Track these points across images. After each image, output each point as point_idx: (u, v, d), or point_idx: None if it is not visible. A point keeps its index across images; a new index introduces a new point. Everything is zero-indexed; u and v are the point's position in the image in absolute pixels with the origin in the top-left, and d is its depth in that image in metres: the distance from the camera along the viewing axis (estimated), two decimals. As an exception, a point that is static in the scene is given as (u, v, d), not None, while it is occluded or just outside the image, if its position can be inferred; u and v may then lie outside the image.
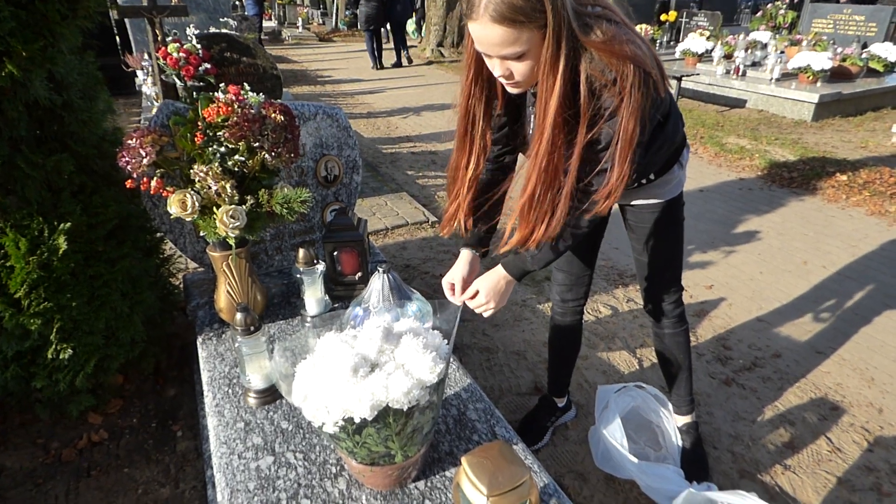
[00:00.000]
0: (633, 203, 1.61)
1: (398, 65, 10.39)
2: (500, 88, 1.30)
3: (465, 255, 1.55)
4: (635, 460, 1.72)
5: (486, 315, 1.45)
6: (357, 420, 1.06)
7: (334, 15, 17.51)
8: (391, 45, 10.63)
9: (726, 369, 2.38)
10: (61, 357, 1.55)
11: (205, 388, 1.55)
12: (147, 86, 5.10)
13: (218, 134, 1.54)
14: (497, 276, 1.42)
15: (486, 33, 1.06)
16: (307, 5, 20.67)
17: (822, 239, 3.60)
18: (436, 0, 11.65)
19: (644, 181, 1.53)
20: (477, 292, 1.44)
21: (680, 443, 1.90)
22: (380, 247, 3.34)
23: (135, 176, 1.53)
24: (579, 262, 1.78)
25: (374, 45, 9.89)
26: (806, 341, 2.59)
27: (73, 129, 1.58)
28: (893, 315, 2.79)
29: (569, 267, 1.80)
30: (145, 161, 1.53)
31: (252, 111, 1.57)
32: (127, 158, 1.52)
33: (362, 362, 1.15)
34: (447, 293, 1.55)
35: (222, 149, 1.53)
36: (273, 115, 1.64)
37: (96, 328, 1.63)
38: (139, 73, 5.46)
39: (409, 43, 10.89)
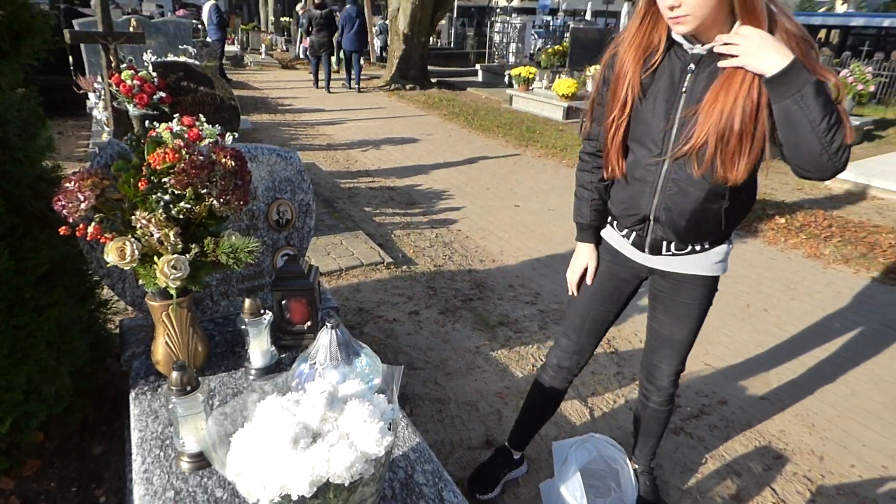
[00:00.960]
0: (677, 272, 1.53)
1: (350, 88, 11.57)
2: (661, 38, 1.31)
3: (587, 248, 1.63)
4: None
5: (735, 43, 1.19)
6: (295, 497, 1.01)
7: (297, 42, 17.52)
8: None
9: (675, 418, 2.41)
10: (-24, 415, 1.43)
11: (133, 450, 1.45)
12: (98, 110, 4.94)
13: (163, 181, 1.48)
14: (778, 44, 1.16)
15: None
16: (271, 32, 20.65)
17: (763, 281, 3.74)
18: (399, 34, 11.82)
19: (697, 247, 1.47)
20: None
21: (637, 489, 1.91)
22: (333, 289, 3.28)
23: (70, 221, 1.46)
24: (590, 335, 1.72)
25: (317, 70, 11.42)
26: (750, 387, 2.65)
27: (6, 168, 1.50)
28: (830, 359, 2.90)
29: (577, 336, 1.73)
30: (83, 206, 1.45)
31: (201, 157, 1.52)
32: (63, 202, 1.44)
33: (303, 432, 1.10)
34: (572, 288, 1.66)
35: (167, 196, 1.47)
36: (223, 160, 1.59)
37: (16, 383, 1.52)
38: (91, 95, 5.29)
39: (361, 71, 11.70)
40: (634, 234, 1.51)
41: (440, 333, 2.92)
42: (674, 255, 1.49)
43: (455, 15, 21.79)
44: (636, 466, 1.99)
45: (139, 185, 1.48)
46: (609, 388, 2.57)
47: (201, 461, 1.38)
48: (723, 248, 1.49)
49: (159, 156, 1.48)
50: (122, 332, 1.98)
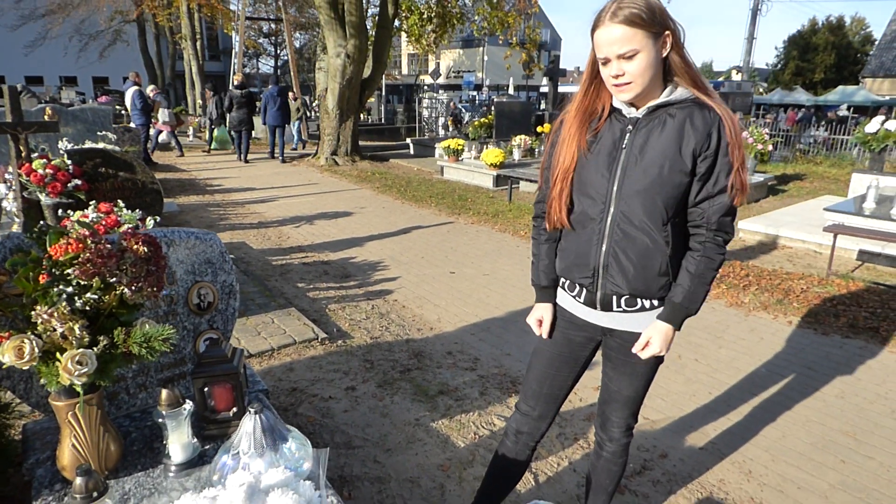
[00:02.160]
0: (628, 330, 1.57)
1: (274, 158, 12.64)
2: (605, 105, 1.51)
3: (545, 306, 1.71)
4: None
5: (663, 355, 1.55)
6: None
7: (208, 127, 17.53)
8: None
9: (619, 475, 2.40)
10: None
11: (34, 570, 1.30)
12: (7, 201, 4.69)
13: (66, 272, 1.41)
14: (662, 327, 1.50)
15: (608, 33, 1.33)
16: (199, 115, 20.63)
17: (691, 332, 3.89)
18: (329, 112, 12.09)
19: (647, 304, 1.53)
20: (648, 342, 1.52)
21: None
22: (264, 370, 3.14)
23: (-40, 321, 1.35)
24: (548, 401, 1.73)
25: (240, 144, 12.25)
26: (689, 438, 2.70)
27: None
28: (761, 404, 3.00)
29: (535, 402, 1.73)
30: (-25, 304, 1.36)
31: (108, 246, 1.46)
32: (-48, 302, 1.34)
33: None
34: (535, 328, 1.72)
35: (69, 288, 1.39)
36: (135, 247, 1.54)
37: None
38: (1, 186, 5.04)
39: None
40: (585, 291, 1.57)
41: (378, 408, 2.83)
42: (625, 311, 1.55)
43: (384, 92, 22.63)
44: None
45: (39, 278, 1.40)
46: (552, 451, 2.54)
47: (109, 578, 1.24)
48: None
49: (61, 247, 1.42)
50: (25, 437, 1.81)
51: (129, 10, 24.36)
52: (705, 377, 3.28)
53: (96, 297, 1.45)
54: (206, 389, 1.77)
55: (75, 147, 4.42)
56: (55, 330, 1.41)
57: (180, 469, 1.61)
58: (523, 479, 2.34)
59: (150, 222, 3.43)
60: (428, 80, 28.07)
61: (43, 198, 3.73)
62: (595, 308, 1.58)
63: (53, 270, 1.39)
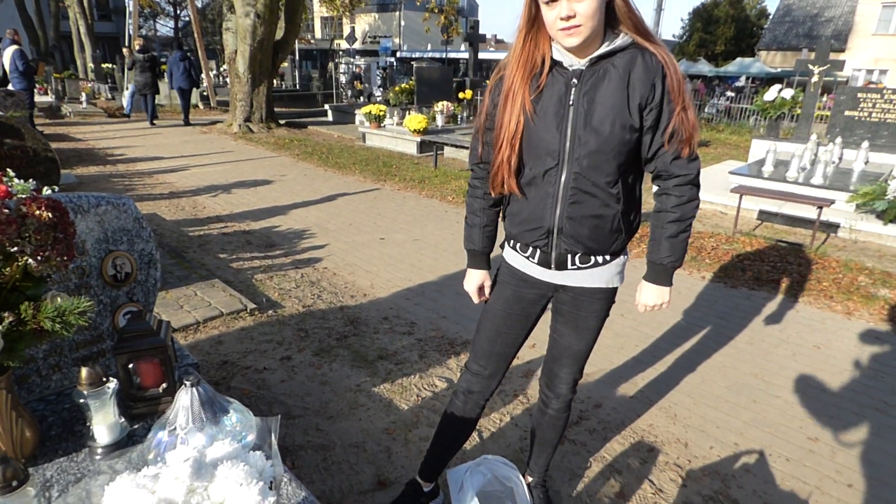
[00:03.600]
0: (581, 285, 1.58)
1: (186, 124, 12.46)
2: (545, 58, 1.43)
3: (479, 273, 1.72)
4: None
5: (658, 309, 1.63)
6: None
7: (124, 88, 16.19)
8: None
9: (558, 427, 2.48)
10: None
11: (-59, 575, 1.15)
12: None
13: (-43, 240, 1.22)
14: (651, 288, 1.58)
15: None
16: (92, 80, 18.88)
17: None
18: (240, 77, 11.42)
19: (599, 260, 1.53)
20: (646, 299, 1.61)
21: (531, 501, 1.91)
22: (190, 344, 2.96)
23: None
24: (498, 359, 1.71)
25: (147, 106, 12.37)
26: (620, 389, 2.83)
27: None
28: (683, 353, 3.20)
29: (486, 360, 1.71)
30: None
31: (6, 211, 1.29)
32: None
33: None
34: (474, 297, 1.74)
35: (-39, 259, 1.22)
36: (37, 212, 1.37)
37: None
38: None
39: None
40: (539, 251, 1.55)
41: (317, 376, 2.75)
42: (578, 268, 1.54)
43: (297, 57, 21.66)
44: (529, 480, 2.00)
45: (-75, 247, 1.22)
46: (494, 408, 2.58)
47: (35, 573, 1.13)
48: (620, 259, 1.59)
49: (-49, 210, 1.23)
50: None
51: (1, -39, 21.69)
52: (632, 331, 3.45)
53: (-4, 267, 1.28)
54: (130, 366, 1.63)
55: (-51, 109, 3.90)
56: (-52, 306, 1.23)
57: (108, 451, 1.48)
58: (471, 440, 2.37)
59: (46, 191, 3.11)
60: (344, 44, 27.13)
61: (-88, 166, 3.27)
62: (549, 268, 1.57)
63: (-59, 238, 1.21)
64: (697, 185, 1.48)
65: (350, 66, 21.56)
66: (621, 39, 1.37)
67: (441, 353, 3.05)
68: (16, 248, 1.29)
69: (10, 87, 9.86)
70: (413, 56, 24.98)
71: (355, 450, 2.23)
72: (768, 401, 2.76)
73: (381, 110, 10.67)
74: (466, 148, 8.10)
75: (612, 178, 1.42)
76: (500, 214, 1.68)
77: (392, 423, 2.41)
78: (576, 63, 1.40)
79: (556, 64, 1.43)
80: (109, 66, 20.90)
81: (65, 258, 1.39)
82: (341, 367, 2.86)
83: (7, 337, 1.28)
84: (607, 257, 1.55)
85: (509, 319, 1.67)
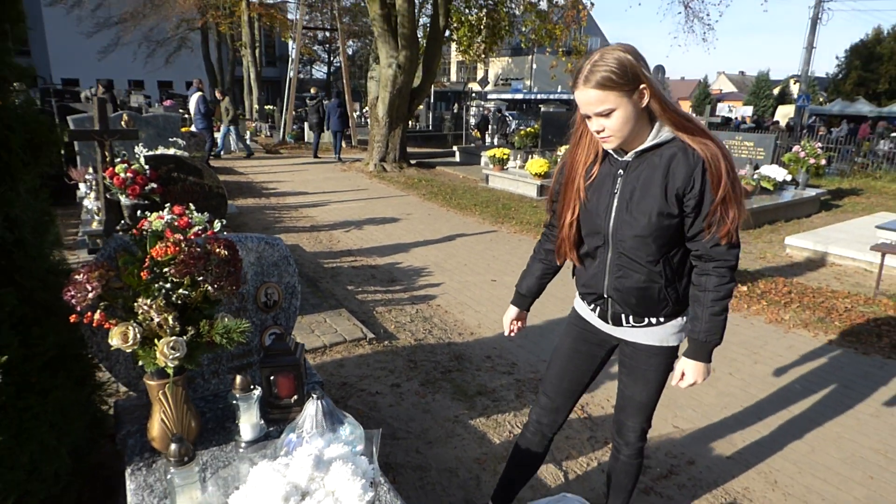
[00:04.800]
0: (637, 342, 1.74)
1: (338, 160, 14.30)
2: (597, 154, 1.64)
3: (516, 310, 2.00)
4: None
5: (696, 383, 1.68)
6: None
7: (282, 128, 18.26)
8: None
9: (645, 478, 2.52)
10: (-20, 494, 1.53)
11: (131, 521, 1.55)
12: (89, 200, 5.15)
13: (164, 270, 1.66)
14: (689, 363, 1.66)
15: (583, 96, 1.46)
16: (255, 119, 21.49)
17: (727, 346, 3.93)
18: (379, 120, 12.46)
19: (653, 321, 1.70)
20: (683, 374, 1.68)
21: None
22: (317, 365, 3.40)
23: (78, 309, 1.62)
24: (566, 395, 1.91)
25: (316, 142, 14.94)
26: (717, 447, 2.78)
27: (21, 263, 1.67)
28: (793, 419, 3.05)
29: (555, 394, 1.92)
30: (90, 295, 1.62)
31: (198, 249, 1.71)
32: (72, 293, 1.61)
33: (293, 491, 1.23)
34: (505, 328, 2.03)
35: (168, 284, 1.64)
36: (218, 250, 1.79)
37: (19, 463, 1.62)
38: (81, 185, 5.52)
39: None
40: (598, 307, 1.77)
41: (421, 404, 3.04)
42: (633, 326, 1.73)
43: (432, 99, 23.02)
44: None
45: (142, 275, 1.66)
46: (582, 452, 2.68)
47: (195, 529, 1.47)
48: (677, 321, 1.71)
49: (162, 249, 1.68)
50: (116, 412, 2.09)
51: (194, 19, 25.67)
52: (738, 391, 3.34)
53: (186, 293, 1.71)
54: (272, 378, 2.01)
55: (151, 153, 4.82)
56: (153, 320, 1.66)
57: (249, 446, 1.84)
58: (553, 475, 2.50)
59: (217, 224, 3.75)
60: (476, 87, 28.34)
61: (123, 199, 4.11)
62: (607, 322, 1.76)
63: (154, 269, 1.65)
64: (734, 270, 1.58)
65: (480, 109, 22.48)
66: (665, 134, 1.53)
67: (533, 392, 3.20)
68: (201, 278, 1.71)
69: (192, 127, 11.66)
70: (537, 98, 25.41)
71: (448, 474, 2.46)
72: (889, 479, 2.57)
73: (504, 153, 11.06)
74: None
75: (653, 258, 1.58)
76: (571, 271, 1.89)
77: (484, 454, 2.61)
78: (624, 155, 1.60)
79: (608, 154, 1.64)
80: (271, 107, 23.69)
81: (234, 287, 1.80)
82: (443, 398, 3.12)
83: (190, 345, 1.68)
84: (661, 319, 1.69)
85: (576, 358, 1.87)
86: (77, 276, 1.63)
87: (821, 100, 29.26)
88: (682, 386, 1.68)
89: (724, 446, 2.80)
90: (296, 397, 2.04)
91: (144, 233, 1.87)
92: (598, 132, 1.51)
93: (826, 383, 3.45)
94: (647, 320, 1.69)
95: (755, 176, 8.27)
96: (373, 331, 3.90)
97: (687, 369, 1.66)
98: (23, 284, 1.67)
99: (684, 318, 1.72)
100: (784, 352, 3.89)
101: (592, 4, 14.76)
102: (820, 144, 10.18)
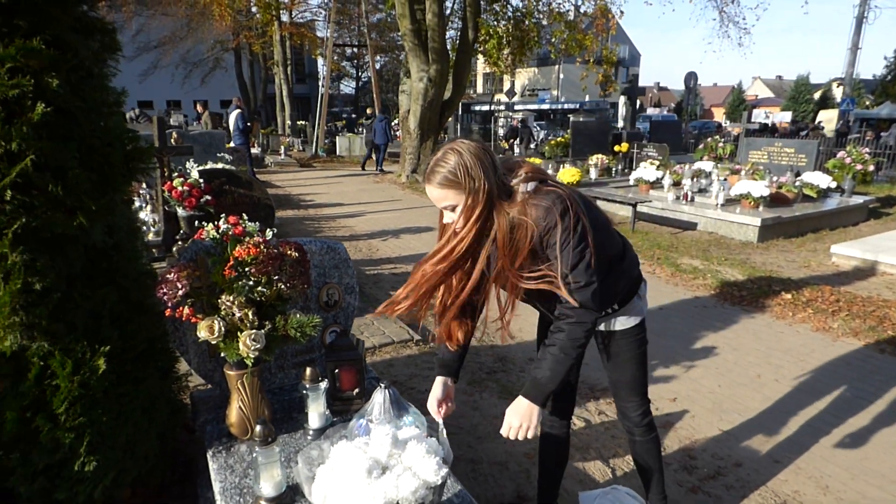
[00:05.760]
0: (602, 329, 1.89)
1: (379, 171, 15.04)
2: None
3: (440, 381, 1.86)
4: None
5: (521, 438, 1.63)
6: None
7: (314, 143, 18.72)
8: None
9: (692, 478, 2.57)
10: (86, 469, 1.69)
11: (217, 497, 1.69)
12: (146, 212, 5.43)
13: (245, 270, 1.81)
14: (521, 403, 1.64)
15: (429, 191, 1.55)
16: (288, 134, 22.06)
17: (773, 354, 3.93)
18: (411, 133, 12.71)
19: (610, 310, 1.82)
20: (510, 425, 1.66)
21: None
22: (368, 364, 3.53)
23: (170, 305, 1.79)
24: (561, 384, 2.01)
25: (376, 156, 15.58)
26: (764, 451, 2.80)
27: (118, 265, 1.85)
28: (844, 427, 3.03)
29: None
30: (180, 292, 1.79)
31: (275, 251, 1.87)
32: (164, 290, 1.78)
33: (375, 465, 1.35)
34: (434, 414, 1.83)
35: (250, 282, 1.80)
36: (290, 252, 1.94)
37: (118, 442, 1.79)
38: (136, 199, 5.82)
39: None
40: None
41: (469, 402, 3.14)
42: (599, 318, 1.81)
43: (460, 112, 23.26)
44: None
45: (226, 273, 1.82)
46: (629, 451, 2.73)
47: (277, 505, 1.61)
48: (632, 302, 1.84)
49: (244, 250, 1.83)
50: (193, 402, 2.26)
51: (228, 40, 26.57)
52: (786, 397, 3.34)
53: (264, 290, 1.86)
54: (336, 371, 2.15)
55: (203, 168, 5.08)
56: (234, 315, 1.82)
57: (316, 434, 1.98)
58: (601, 472, 2.57)
59: (269, 233, 3.95)
60: (503, 98, 28.54)
61: (180, 211, 4.35)
62: None
63: (237, 268, 1.81)
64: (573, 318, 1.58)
65: (508, 120, 22.63)
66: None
67: (581, 397, 3.27)
68: (276, 277, 1.86)
69: (231, 143, 12.06)
70: (564, 108, 25.43)
71: (499, 467, 2.55)
72: (946, 488, 2.55)
73: (535, 163, 11.15)
74: (618, 202, 8.18)
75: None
76: None
77: (532, 449, 2.68)
78: None
79: None
80: (303, 122, 24.27)
81: (306, 285, 1.95)
82: (490, 396, 3.21)
83: (267, 338, 1.83)
84: (615, 307, 1.81)
85: None
86: (168, 276, 1.80)
87: (867, 103, 28.38)
88: (512, 435, 1.65)
89: (771, 450, 2.81)
90: (357, 390, 2.17)
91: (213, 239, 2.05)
92: (452, 222, 1.57)
93: (879, 392, 3.40)
94: (603, 311, 1.80)
95: (797, 183, 8.14)
96: (418, 333, 4.03)
97: (511, 415, 1.66)
98: (120, 284, 1.85)
99: (637, 298, 1.84)
100: (832, 360, 3.85)
101: (622, 13, 14.83)
102: (867, 150, 9.95)
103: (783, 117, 32.79)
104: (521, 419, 1.60)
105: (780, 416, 3.12)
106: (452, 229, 1.58)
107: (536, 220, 1.49)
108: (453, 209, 1.54)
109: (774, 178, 8.14)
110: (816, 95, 40.85)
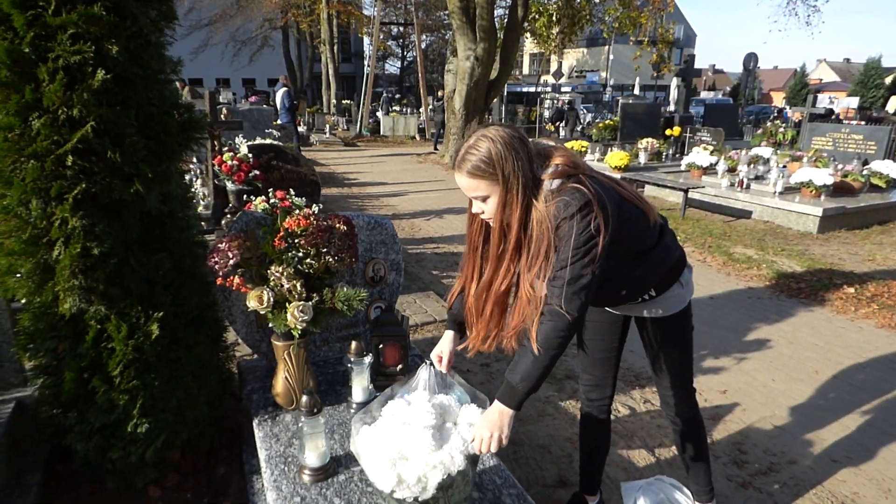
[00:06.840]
0: (640, 316, 1.81)
1: (435, 149, 15.44)
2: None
3: (449, 334, 1.81)
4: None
5: (493, 450, 1.41)
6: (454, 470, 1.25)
7: (359, 122, 18.81)
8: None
9: (743, 472, 2.47)
10: (139, 431, 1.74)
11: (262, 465, 1.71)
12: (196, 186, 5.56)
13: (295, 241, 1.81)
14: (492, 410, 1.47)
15: (458, 180, 1.50)
16: (334, 113, 22.22)
17: (832, 349, 3.73)
18: (455, 113, 12.59)
19: (647, 297, 1.73)
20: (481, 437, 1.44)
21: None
22: (411, 341, 3.54)
23: (221, 274, 1.80)
24: (602, 365, 1.96)
25: (436, 136, 15.94)
26: (821, 449, 2.67)
27: (172, 234, 1.87)
28: (906, 427, 2.87)
29: (592, 369, 1.98)
30: (231, 262, 1.80)
31: (324, 223, 1.86)
32: (216, 259, 1.79)
33: (440, 410, 1.37)
34: (436, 364, 1.78)
35: (300, 254, 1.80)
36: (338, 225, 1.93)
37: (169, 406, 1.83)
38: (186, 174, 5.96)
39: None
40: None
41: (510, 386, 3.10)
42: (631, 304, 1.76)
43: (506, 93, 22.95)
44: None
45: (276, 243, 1.82)
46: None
47: (320, 475, 1.62)
48: (668, 292, 1.73)
49: (294, 221, 1.83)
50: (240, 371, 2.30)
51: (276, 18, 26.85)
52: (845, 395, 3.18)
53: (312, 262, 1.85)
54: (380, 347, 2.14)
55: (252, 143, 5.14)
56: (283, 286, 1.82)
57: (359, 407, 1.98)
58: (646, 460, 2.50)
59: (315, 208, 3.98)
60: (550, 79, 27.96)
61: (229, 185, 4.42)
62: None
63: (287, 239, 1.81)
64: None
65: (555, 102, 22.19)
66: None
67: (625, 383, 3.19)
68: (325, 249, 1.86)
69: (278, 121, 12.24)
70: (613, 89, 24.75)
71: (541, 450, 2.51)
72: None
73: (582, 146, 10.91)
74: (668, 187, 7.92)
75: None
76: None
77: (575, 433, 2.63)
78: None
79: None
80: (348, 101, 24.40)
81: (353, 259, 1.93)
82: (532, 380, 3.16)
83: (315, 310, 1.83)
84: (652, 293, 1.71)
85: (598, 328, 1.90)
86: (220, 245, 1.81)
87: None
88: (477, 446, 1.42)
89: (828, 449, 2.68)
90: (401, 366, 2.16)
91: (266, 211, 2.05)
92: (480, 213, 1.53)
93: (946, 391, 3.21)
94: (640, 298, 1.73)
95: (864, 172, 7.67)
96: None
97: (480, 424, 1.46)
98: (173, 252, 1.87)
99: (678, 286, 1.73)
100: (896, 356, 3.65)
101: (679, -8, 14.21)
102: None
103: (849, 103, 30.96)
104: (490, 428, 1.42)
105: (838, 415, 2.97)
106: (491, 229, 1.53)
107: (553, 216, 1.42)
108: (483, 199, 1.48)
109: (839, 166, 7.71)
110: (888, 80, 38.41)
